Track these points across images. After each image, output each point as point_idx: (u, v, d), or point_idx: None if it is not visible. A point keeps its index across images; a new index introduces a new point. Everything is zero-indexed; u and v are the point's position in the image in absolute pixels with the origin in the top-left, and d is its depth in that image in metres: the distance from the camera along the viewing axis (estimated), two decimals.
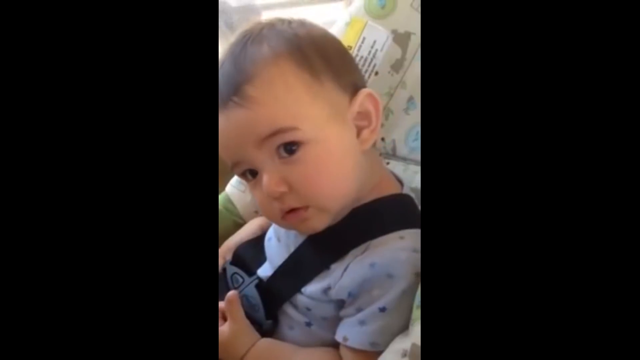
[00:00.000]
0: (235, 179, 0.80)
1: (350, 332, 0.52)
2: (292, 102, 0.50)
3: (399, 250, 0.52)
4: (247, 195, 0.78)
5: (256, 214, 0.77)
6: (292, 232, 0.60)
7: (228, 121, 0.51)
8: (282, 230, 0.62)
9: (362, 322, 0.51)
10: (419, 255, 0.50)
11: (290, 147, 0.50)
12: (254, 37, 0.53)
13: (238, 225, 0.77)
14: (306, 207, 0.52)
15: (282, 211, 0.53)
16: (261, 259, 0.64)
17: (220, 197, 0.79)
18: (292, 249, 0.59)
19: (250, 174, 0.54)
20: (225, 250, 0.70)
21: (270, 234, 0.65)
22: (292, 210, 0.53)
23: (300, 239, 0.59)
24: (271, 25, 0.55)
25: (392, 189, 0.58)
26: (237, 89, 0.50)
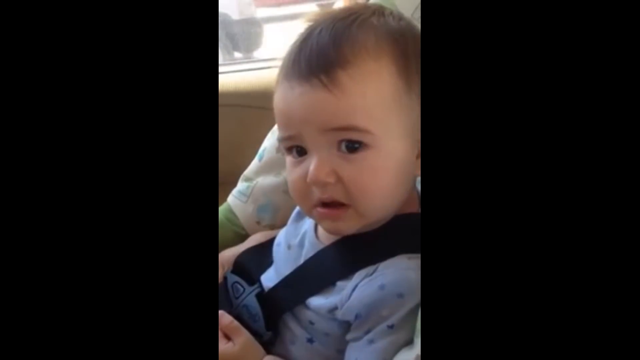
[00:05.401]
0: (237, 190, 0.80)
1: (360, 355, 0.52)
2: (378, 105, 0.49)
3: (408, 270, 0.51)
4: (248, 206, 0.77)
5: (258, 224, 0.77)
6: (305, 242, 0.60)
7: (304, 96, 0.49)
8: (294, 239, 0.62)
9: (370, 341, 0.51)
10: None
11: (353, 145, 0.50)
12: (362, 20, 0.51)
13: (239, 235, 0.77)
14: (346, 207, 0.52)
15: (318, 200, 0.52)
16: (265, 264, 0.64)
17: (222, 207, 0.79)
18: (301, 261, 0.59)
19: (297, 152, 0.53)
20: (221, 261, 0.68)
21: (279, 239, 0.65)
22: (329, 206, 0.52)
23: (311, 251, 0.58)
24: (381, 13, 0.53)
25: (411, 207, 0.57)
26: (328, 69, 0.48)
